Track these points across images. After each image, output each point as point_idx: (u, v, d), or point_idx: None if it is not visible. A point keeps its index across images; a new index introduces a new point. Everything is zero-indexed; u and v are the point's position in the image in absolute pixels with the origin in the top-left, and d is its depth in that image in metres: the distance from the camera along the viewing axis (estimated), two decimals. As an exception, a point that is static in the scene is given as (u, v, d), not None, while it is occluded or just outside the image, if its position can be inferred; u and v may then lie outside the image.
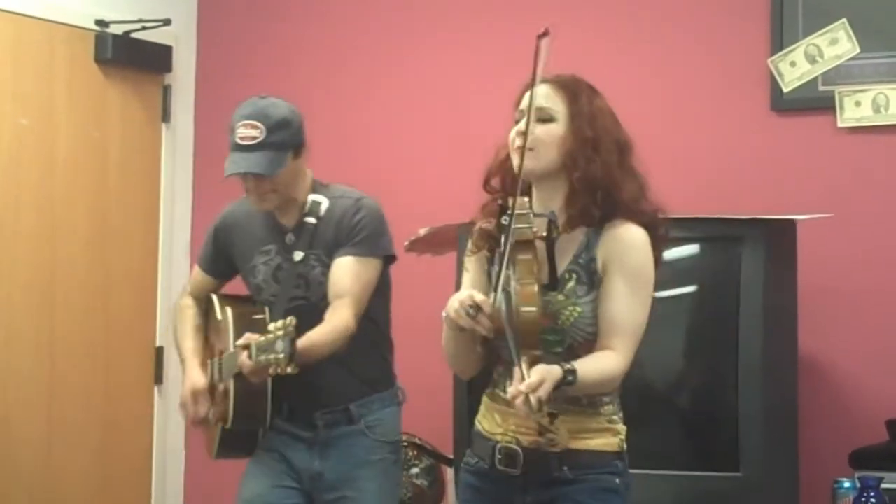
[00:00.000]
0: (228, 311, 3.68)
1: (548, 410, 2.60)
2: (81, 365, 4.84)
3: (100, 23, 4.87)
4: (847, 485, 3.79)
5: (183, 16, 5.15)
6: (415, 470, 4.22)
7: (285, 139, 3.58)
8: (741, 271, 3.70)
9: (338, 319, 3.51)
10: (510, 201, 2.79)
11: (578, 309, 2.83)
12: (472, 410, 4.00)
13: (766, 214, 3.82)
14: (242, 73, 5.18)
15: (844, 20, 4.24)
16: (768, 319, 3.73)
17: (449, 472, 4.27)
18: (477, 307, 2.72)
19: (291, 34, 5.12)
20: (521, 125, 2.89)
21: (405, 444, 4.01)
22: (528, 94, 2.91)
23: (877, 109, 4.21)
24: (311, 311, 3.54)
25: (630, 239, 2.86)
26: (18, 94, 4.68)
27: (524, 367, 2.62)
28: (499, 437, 2.91)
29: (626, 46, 4.59)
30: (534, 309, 2.69)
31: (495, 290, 2.75)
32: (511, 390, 2.65)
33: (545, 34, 2.75)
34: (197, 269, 3.90)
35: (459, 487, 3.07)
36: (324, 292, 3.59)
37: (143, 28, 4.94)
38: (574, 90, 2.94)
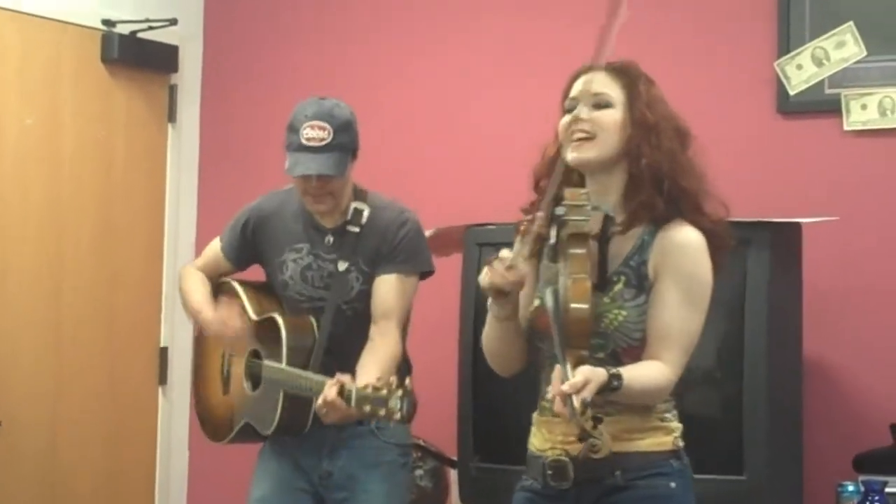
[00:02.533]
0: (278, 319, 3.59)
1: (592, 414, 2.44)
2: (86, 365, 4.83)
3: (106, 22, 4.87)
4: (851, 488, 3.78)
5: (189, 16, 5.15)
6: (419, 472, 4.21)
7: (349, 141, 3.59)
8: (746, 274, 3.69)
9: (390, 346, 3.55)
10: (565, 191, 2.66)
11: (623, 313, 2.69)
12: (477, 412, 4.03)
13: (772, 217, 3.81)
14: (249, 74, 5.19)
15: (851, 23, 4.24)
16: (773, 322, 3.72)
17: (453, 475, 4.27)
18: (497, 258, 2.63)
19: (298, 34, 5.12)
20: (578, 111, 2.77)
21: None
22: (581, 80, 2.79)
23: (883, 113, 4.20)
24: (334, 311, 3.58)
25: (684, 242, 2.72)
26: (24, 93, 4.68)
27: (568, 366, 2.48)
28: (548, 452, 2.76)
29: (631, 49, 4.56)
30: (585, 306, 2.54)
31: (543, 282, 2.62)
32: (552, 389, 2.51)
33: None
34: (217, 251, 3.85)
35: None
36: (351, 297, 3.62)
37: (150, 28, 4.93)
38: (631, 75, 2.82)
